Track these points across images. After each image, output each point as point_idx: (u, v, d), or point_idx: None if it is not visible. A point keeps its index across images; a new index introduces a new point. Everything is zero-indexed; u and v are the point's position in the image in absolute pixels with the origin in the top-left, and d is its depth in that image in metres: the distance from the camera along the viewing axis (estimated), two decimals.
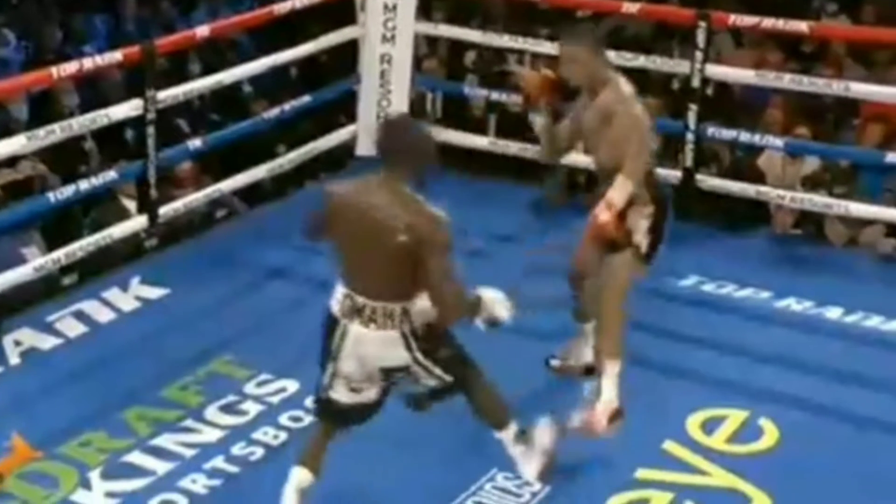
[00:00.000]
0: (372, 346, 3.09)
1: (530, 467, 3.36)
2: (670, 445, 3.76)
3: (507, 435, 3.32)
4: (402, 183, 3.02)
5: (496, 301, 3.18)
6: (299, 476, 3.22)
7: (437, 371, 3.16)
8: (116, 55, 4.47)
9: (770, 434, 3.81)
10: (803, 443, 3.76)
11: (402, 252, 2.98)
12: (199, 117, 6.31)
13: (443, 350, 3.16)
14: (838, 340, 4.38)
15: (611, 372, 3.73)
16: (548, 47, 5.57)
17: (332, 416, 3.22)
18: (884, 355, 4.29)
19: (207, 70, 5.88)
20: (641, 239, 3.73)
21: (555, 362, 4.11)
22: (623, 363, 3.73)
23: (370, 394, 3.18)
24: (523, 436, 3.34)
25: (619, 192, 3.62)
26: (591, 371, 3.97)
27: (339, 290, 3.10)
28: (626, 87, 3.71)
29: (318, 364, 3.20)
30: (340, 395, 3.17)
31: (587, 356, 4.03)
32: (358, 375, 3.14)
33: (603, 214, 3.62)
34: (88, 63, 4.35)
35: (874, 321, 4.55)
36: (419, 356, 3.11)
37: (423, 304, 3.08)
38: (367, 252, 3.02)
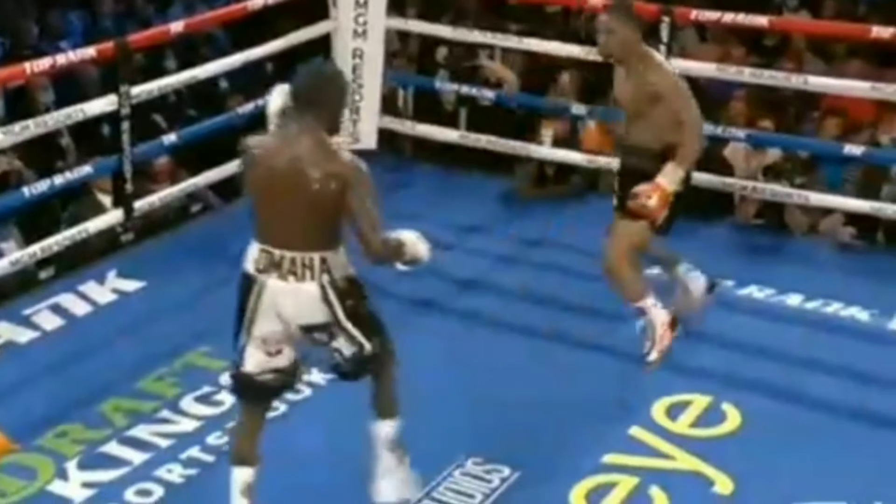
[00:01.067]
0: (290, 299, 2.96)
1: (387, 486, 3.19)
2: (636, 431, 3.78)
3: (389, 430, 3.16)
4: (319, 131, 2.92)
5: (416, 241, 3.08)
6: (241, 477, 3.11)
7: (358, 335, 3.01)
8: (90, 51, 4.43)
9: (732, 418, 3.83)
10: (764, 426, 3.78)
11: (327, 199, 2.89)
12: (176, 113, 6.26)
13: (364, 310, 3.03)
14: (798, 327, 4.41)
15: (647, 307, 3.95)
16: (515, 42, 5.58)
17: (249, 390, 3.08)
18: (842, 341, 4.32)
19: (183, 66, 5.84)
20: (660, 214, 3.80)
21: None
22: (649, 291, 3.97)
23: (284, 358, 3.04)
24: (400, 448, 3.20)
25: (669, 177, 3.70)
26: (712, 288, 4.13)
27: (254, 247, 2.99)
28: (666, 64, 3.79)
29: (233, 334, 3.04)
30: (253, 364, 3.03)
31: (697, 285, 4.13)
32: (274, 336, 3.00)
33: (651, 200, 3.70)
34: (62, 59, 4.30)
35: (833, 307, 4.58)
36: (339, 312, 2.98)
37: (342, 257, 2.99)
38: (288, 202, 2.91)
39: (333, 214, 2.93)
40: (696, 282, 4.12)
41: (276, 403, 3.33)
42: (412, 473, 3.25)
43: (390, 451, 3.18)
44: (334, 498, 3.33)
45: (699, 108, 3.84)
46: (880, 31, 4.66)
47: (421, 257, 3.11)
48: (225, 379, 4.02)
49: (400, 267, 3.10)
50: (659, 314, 3.97)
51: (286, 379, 3.11)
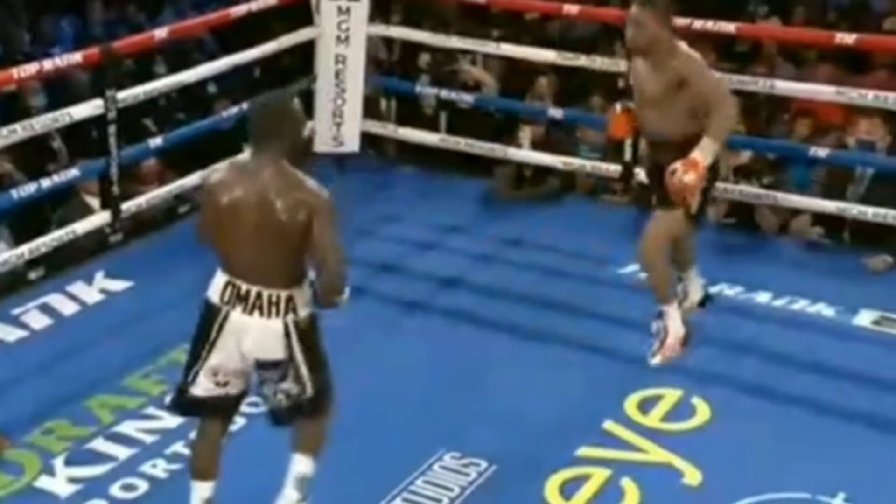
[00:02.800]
0: (252, 334, 2.88)
1: None
2: (610, 425, 3.77)
3: (305, 468, 3.01)
4: (281, 162, 2.85)
5: None
6: (199, 492, 3.03)
7: (305, 375, 2.92)
8: (76, 56, 4.39)
9: (702, 412, 3.83)
10: (732, 420, 3.78)
11: (295, 229, 2.80)
12: (165, 116, 6.23)
13: (318, 351, 2.94)
14: (767, 323, 4.41)
15: (668, 311, 3.86)
16: (493, 47, 5.57)
17: (187, 409, 3.03)
18: (808, 337, 4.32)
19: (173, 71, 5.81)
20: (693, 200, 3.71)
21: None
22: (674, 297, 3.91)
23: (233, 389, 2.98)
24: (307, 489, 3.04)
25: (704, 152, 3.57)
26: (704, 303, 4.09)
27: (219, 278, 2.90)
28: (694, 53, 3.67)
29: (187, 358, 2.98)
30: (201, 389, 2.96)
31: (696, 295, 4.08)
32: (227, 368, 2.93)
33: (688, 175, 3.58)
34: (49, 64, 4.26)
35: (800, 304, 4.59)
36: (297, 352, 2.89)
37: (306, 293, 2.91)
38: (256, 235, 2.82)
39: (300, 245, 2.84)
40: (696, 291, 4.07)
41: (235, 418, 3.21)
42: None
43: (297, 490, 3.03)
44: None
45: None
46: (844, 38, 4.67)
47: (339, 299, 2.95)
48: None
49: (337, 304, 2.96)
50: (677, 327, 3.88)
51: (228, 408, 3.03)
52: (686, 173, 3.58)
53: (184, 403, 3.03)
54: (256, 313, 2.88)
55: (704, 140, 3.58)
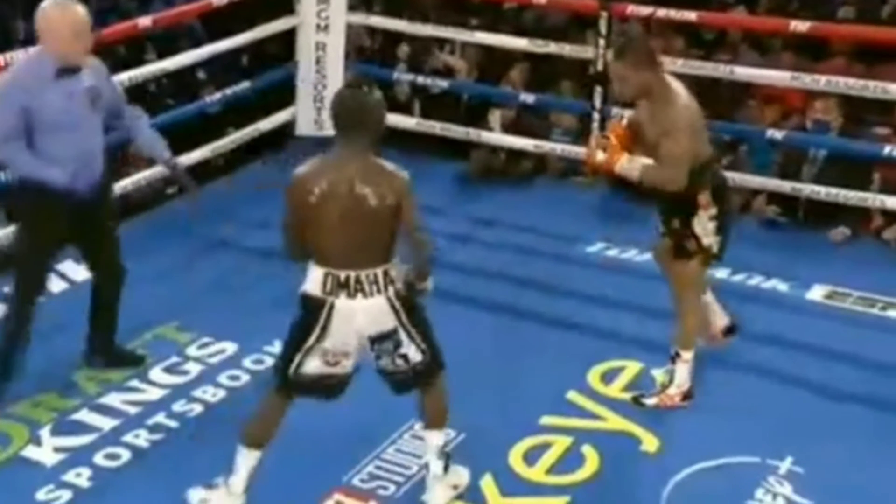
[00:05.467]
0: (361, 316, 2.93)
1: (438, 495, 3.17)
2: (573, 395, 3.78)
3: (435, 439, 3.14)
4: (365, 152, 2.89)
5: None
6: (251, 462, 3.05)
7: (419, 339, 2.99)
8: None
9: (662, 383, 3.82)
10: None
11: (386, 215, 2.87)
12: (155, 102, 6.18)
13: (423, 317, 3.02)
14: (723, 299, 4.39)
15: (685, 359, 3.63)
16: (467, 35, 5.54)
17: (299, 389, 3.02)
18: (763, 311, 4.33)
19: (162, 58, 5.77)
20: (712, 241, 3.51)
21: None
22: (695, 351, 3.66)
23: (340, 368, 3.00)
24: (446, 456, 3.18)
25: (628, 165, 3.40)
26: (731, 331, 3.85)
27: (315, 272, 2.92)
28: (682, 98, 3.39)
29: (284, 344, 3.01)
30: (310, 368, 2.98)
31: (723, 319, 3.85)
32: (339, 349, 2.97)
33: (599, 154, 3.44)
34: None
35: (756, 280, 4.60)
36: (404, 319, 2.96)
37: (398, 267, 2.97)
38: (348, 224, 2.86)
39: (391, 226, 2.90)
40: (720, 318, 3.85)
41: None
42: (458, 473, 3.23)
43: (438, 459, 3.15)
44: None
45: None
46: (798, 25, 4.67)
47: (430, 289, 3.03)
48: (192, 351, 4.02)
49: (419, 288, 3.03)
50: (684, 379, 3.65)
51: (336, 386, 3.05)
52: (600, 152, 3.44)
53: (292, 383, 3.02)
54: (360, 296, 2.92)
55: (637, 163, 3.41)
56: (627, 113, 3.64)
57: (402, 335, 2.99)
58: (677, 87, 3.45)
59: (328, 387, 3.04)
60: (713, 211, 3.49)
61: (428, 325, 3.05)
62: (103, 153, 3.60)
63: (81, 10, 3.43)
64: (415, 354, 3.02)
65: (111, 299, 3.81)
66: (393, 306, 2.95)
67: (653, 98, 3.41)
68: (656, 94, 3.40)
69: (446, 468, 3.19)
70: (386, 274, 2.94)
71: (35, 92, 3.36)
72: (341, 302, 2.91)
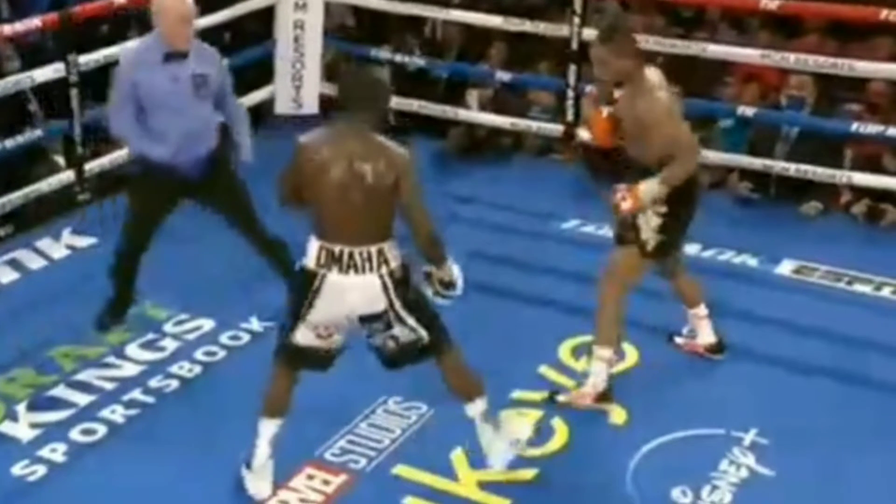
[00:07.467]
0: (352, 292, 2.91)
1: (498, 453, 3.17)
2: (544, 369, 3.78)
3: (477, 408, 3.13)
4: (367, 128, 2.88)
5: (454, 265, 3.04)
6: (271, 430, 3.08)
7: (411, 321, 2.96)
8: (35, 21, 4.31)
9: (630, 357, 3.84)
10: (658, 364, 3.80)
11: (383, 192, 2.85)
12: None
13: (417, 298, 2.98)
14: (693, 273, 4.39)
15: (600, 356, 3.51)
16: (444, 14, 5.49)
17: (293, 357, 3.04)
18: (732, 285, 4.33)
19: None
20: (649, 237, 3.43)
21: (679, 340, 3.86)
22: (614, 349, 3.56)
23: (331, 342, 3.02)
24: (493, 418, 3.17)
25: (647, 188, 3.33)
26: (716, 350, 3.77)
27: (312, 245, 2.92)
28: (658, 89, 3.36)
29: (283, 314, 3.03)
30: (302, 338, 2.99)
31: (710, 336, 3.78)
32: (329, 323, 2.97)
33: (626, 203, 3.38)
34: (8, 29, 4.16)
35: (727, 255, 4.61)
36: (395, 301, 2.94)
37: (395, 245, 2.95)
38: (348, 198, 2.85)
39: (389, 205, 2.88)
40: (707, 334, 3.77)
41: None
42: (510, 428, 3.23)
43: (486, 423, 3.15)
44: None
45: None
46: (767, 3, 4.64)
47: (456, 281, 3.02)
48: (169, 327, 4.01)
49: (439, 296, 3.03)
50: (599, 380, 3.52)
51: (327, 356, 3.07)
52: (624, 200, 3.39)
53: (286, 351, 3.04)
54: (352, 272, 2.91)
55: (652, 181, 3.34)
56: (605, 110, 3.52)
57: (392, 317, 2.96)
58: (654, 76, 3.42)
59: (320, 358, 3.04)
60: (662, 209, 3.41)
61: (426, 305, 3.00)
62: (214, 133, 3.71)
63: (189, 1, 3.60)
64: (407, 335, 2.99)
65: (276, 264, 3.85)
66: (385, 286, 2.92)
67: (631, 85, 3.36)
68: (634, 82, 3.35)
69: (496, 428, 3.16)
70: (380, 252, 2.91)
71: (144, 70, 3.56)
72: (333, 276, 2.90)
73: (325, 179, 2.86)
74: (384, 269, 2.91)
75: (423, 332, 3.00)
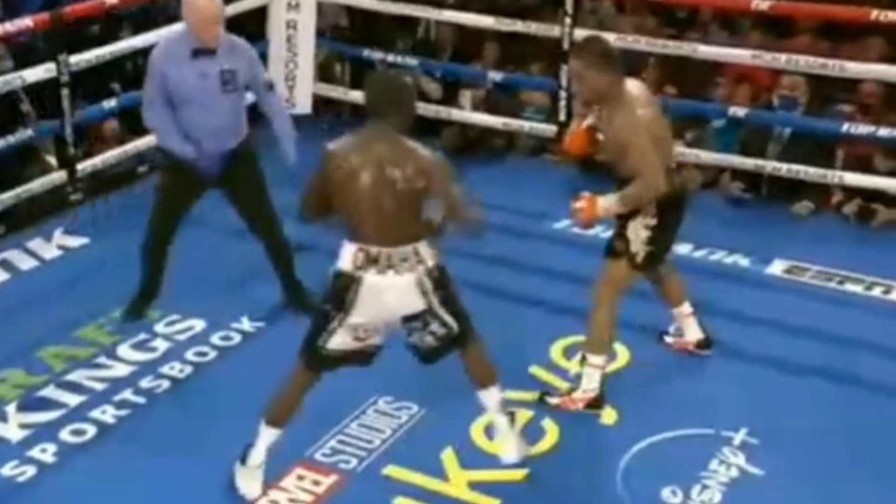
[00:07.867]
0: (390, 293, 2.92)
1: (511, 448, 3.16)
2: (535, 369, 3.77)
3: (493, 396, 3.13)
4: (395, 132, 2.90)
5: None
6: (271, 438, 3.08)
7: (448, 318, 3.00)
8: (27, 21, 4.29)
9: (622, 357, 3.83)
10: (648, 364, 3.79)
11: (415, 196, 2.87)
12: (133, 80, 6.10)
13: (452, 295, 3.01)
14: (686, 273, 4.39)
15: (593, 363, 3.51)
16: (436, 14, 5.48)
17: (324, 362, 3.03)
18: (723, 285, 4.33)
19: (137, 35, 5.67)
20: (639, 249, 3.44)
21: (669, 339, 3.87)
22: (607, 356, 3.55)
23: (372, 343, 3.03)
24: (507, 409, 3.17)
25: (606, 206, 3.36)
26: (704, 345, 3.78)
27: (348, 248, 2.93)
28: (636, 108, 3.32)
29: (312, 319, 3.03)
30: (337, 343, 2.99)
31: (697, 332, 3.78)
32: (368, 325, 2.98)
33: (582, 212, 3.42)
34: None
35: (718, 255, 4.61)
36: (434, 301, 2.96)
37: (431, 245, 2.97)
38: (378, 203, 2.87)
39: (420, 206, 2.90)
40: (694, 332, 3.78)
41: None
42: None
43: (501, 414, 3.14)
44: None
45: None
46: (759, 4, 4.63)
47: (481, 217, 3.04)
48: (160, 328, 3.99)
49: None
50: (591, 387, 3.51)
51: (363, 359, 3.07)
52: (581, 210, 3.42)
53: (322, 359, 3.03)
54: (390, 272, 2.91)
55: (612, 197, 3.36)
56: (585, 123, 3.50)
57: (430, 316, 2.99)
58: (636, 91, 3.38)
59: (358, 360, 3.06)
60: (651, 221, 3.41)
61: (457, 299, 3.04)
62: (241, 128, 3.76)
63: (219, 1, 3.65)
64: (441, 330, 3.02)
65: (281, 267, 3.92)
66: (423, 287, 2.94)
67: (609, 103, 3.32)
68: (613, 98, 3.32)
69: (510, 422, 3.16)
70: (417, 252, 2.93)
71: (172, 64, 3.60)
72: (370, 277, 2.91)
73: (355, 186, 2.88)
74: (421, 269, 2.93)
75: (455, 325, 3.02)
